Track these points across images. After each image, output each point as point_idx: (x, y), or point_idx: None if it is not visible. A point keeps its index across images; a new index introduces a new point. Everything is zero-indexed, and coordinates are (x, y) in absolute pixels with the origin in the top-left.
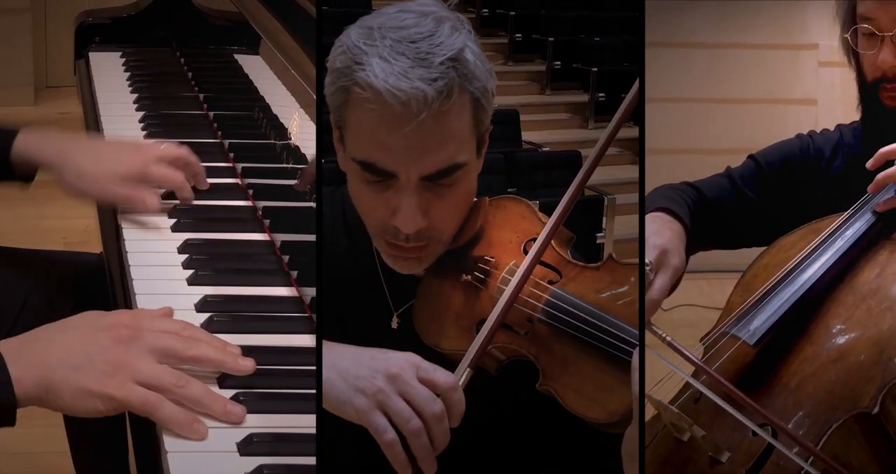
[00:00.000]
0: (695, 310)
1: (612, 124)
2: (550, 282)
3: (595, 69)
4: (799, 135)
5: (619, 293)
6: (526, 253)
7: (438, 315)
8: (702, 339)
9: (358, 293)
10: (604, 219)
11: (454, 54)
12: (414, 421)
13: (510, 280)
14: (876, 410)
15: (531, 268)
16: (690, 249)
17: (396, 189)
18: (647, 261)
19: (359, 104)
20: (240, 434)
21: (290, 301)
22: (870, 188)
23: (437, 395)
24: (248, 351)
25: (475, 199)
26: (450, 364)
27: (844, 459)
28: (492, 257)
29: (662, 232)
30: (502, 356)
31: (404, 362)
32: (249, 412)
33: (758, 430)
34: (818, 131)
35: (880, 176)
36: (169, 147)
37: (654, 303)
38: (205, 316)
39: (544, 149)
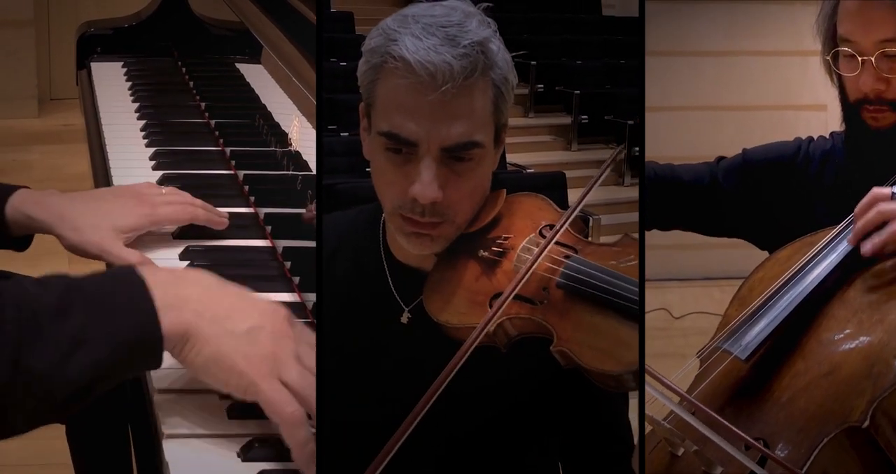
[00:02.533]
0: (707, 317)
1: (612, 155)
2: (567, 258)
3: (578, 92)
4: (797, 139)
5: (635, 264)
6: (542, 235)
7: (452, 290)
8: (698, 353)
9: (365, 295)
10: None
11: (480, 40)
12: None
13: (532, 249)
14: (866, 424)
15: (555, 235)
16: (665, 224)
17: (417, 161)
18: None
19: (389, 74)
20: (241, 439)
21: (292, 307)
22: (849, 240)
23: None
24: None
25: (496, 191)
26: (457, 342)
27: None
28: (509, 235)
29: None
30: (514, 331)
31: None
32: (250, 417)
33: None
34: (820, 137)
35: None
36: (171, 191)
37: None
38: None
39: (529, 170)
